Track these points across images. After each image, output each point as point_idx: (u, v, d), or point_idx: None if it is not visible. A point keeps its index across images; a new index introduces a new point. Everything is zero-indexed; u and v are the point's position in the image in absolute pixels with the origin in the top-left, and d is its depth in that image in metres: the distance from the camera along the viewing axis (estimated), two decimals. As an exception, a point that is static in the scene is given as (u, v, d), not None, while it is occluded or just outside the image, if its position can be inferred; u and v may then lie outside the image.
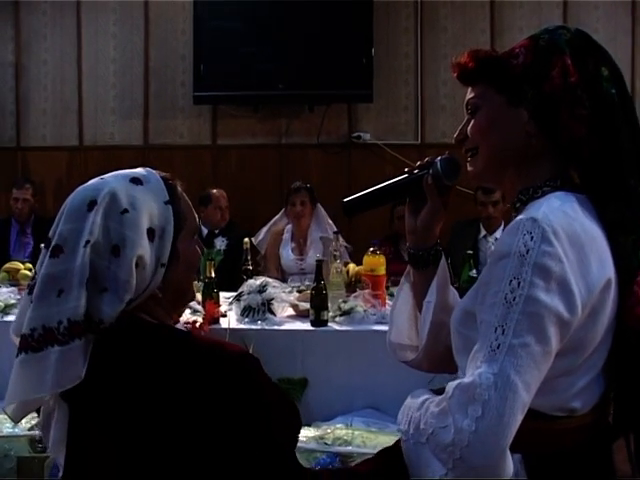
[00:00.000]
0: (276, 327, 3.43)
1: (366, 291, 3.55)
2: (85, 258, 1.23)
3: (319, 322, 3.44)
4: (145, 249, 1.27)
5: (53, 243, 1.26)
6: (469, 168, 1.43)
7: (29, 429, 3.15)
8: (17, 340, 1.27)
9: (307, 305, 3.54)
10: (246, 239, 4.19)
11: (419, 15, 6.12)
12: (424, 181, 1.46)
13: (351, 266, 4.02)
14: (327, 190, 5.29)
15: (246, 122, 6.17)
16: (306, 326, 3.46)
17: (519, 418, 1.15)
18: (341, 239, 4.38)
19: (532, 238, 1.19)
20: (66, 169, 6.28)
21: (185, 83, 6.11)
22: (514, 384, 1.14)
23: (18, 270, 4.24)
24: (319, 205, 5.00)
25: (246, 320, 3.46)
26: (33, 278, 1.29)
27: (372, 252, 3.61)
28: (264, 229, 5.07)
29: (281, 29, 5.81)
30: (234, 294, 3.64)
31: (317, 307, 3.45)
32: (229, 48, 5.81)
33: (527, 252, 1.19)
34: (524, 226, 1.21)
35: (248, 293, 3.54)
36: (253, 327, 3.40)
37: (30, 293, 1.28)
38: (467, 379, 1.17)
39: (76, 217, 1.27)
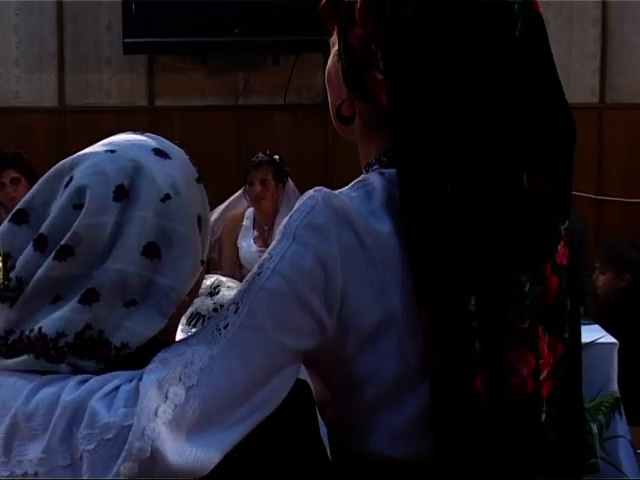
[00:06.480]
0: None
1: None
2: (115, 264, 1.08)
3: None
4: (198, 244, 1.10)
5: (63, 242, 1.04)
6: None
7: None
8: None
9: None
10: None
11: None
12: None
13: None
14: (298, 163, 4.99)
15: (192, 77, 5.72)
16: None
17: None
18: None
19: (298, 210, 1.11)
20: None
21: (112, 26, 5.58)
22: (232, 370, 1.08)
23: None
24: (290, 182, 4.56)
25: (193, 331, 2.91)
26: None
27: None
28: (219, 208, 4.70)
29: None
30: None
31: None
32: (169, -19, 5.31)
33: (288, 226, 1.11)
34: (297, 204, 1.15)
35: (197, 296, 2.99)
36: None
37: None
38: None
39: (99, 209, 1.03)
